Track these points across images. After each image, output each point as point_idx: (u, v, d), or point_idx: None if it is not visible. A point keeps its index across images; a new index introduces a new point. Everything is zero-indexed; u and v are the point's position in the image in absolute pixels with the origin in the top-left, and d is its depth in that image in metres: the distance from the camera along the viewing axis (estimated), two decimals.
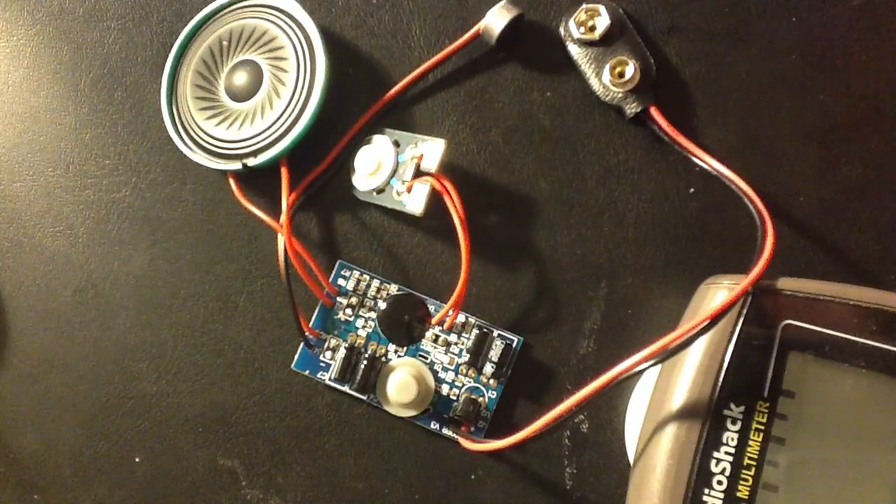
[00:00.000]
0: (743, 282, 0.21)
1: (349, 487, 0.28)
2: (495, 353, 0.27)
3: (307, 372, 0.28)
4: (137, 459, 0.28)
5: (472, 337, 0.27)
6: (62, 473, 0.29)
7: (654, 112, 0.26)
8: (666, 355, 0.21)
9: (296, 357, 0.28)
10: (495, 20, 0.26)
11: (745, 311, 0.21)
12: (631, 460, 0.24)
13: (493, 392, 0.27)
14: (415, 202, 0.26)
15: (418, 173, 0.26)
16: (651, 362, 0.21)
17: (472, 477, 0.27)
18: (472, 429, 0.27)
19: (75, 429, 0.29)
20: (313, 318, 0.28)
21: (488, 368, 0.27)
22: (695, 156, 0.25)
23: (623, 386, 0.22)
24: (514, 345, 0.27)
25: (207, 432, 0.28)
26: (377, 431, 0.28)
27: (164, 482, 0.28)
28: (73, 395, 0.29)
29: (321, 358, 0.28)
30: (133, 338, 0.29)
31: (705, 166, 0.25)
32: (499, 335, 0.27)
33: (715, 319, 0.20)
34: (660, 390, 0.22)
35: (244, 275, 0.28)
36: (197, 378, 0.28)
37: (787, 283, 0.22)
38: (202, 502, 0.28)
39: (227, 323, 0.28)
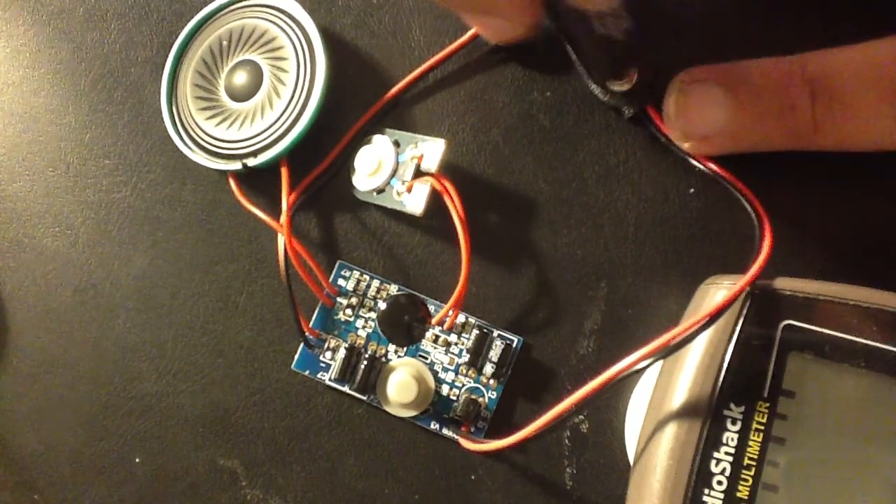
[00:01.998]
0: (741, 280, 0.21)
1: (349, 487, 0.28)
2: (495, 353, 0.27)
3: (307, 372, 0.28)
4: (137, 459, 0.28)
5: (472, 337, 0.27)
6: (62, 473, 0.29)
7: (651, 112, 0.26)
8: (667, 352, 0.21)
9: (296, 357, 0.28)
10: None
11: (745, 311, 0.21)
12: (631, 460, 0.24)
13: (494, 392, 0.27)
14: (415, 202, 0.26)
15: (418, 173, 0.26)
16: (652, 359, 0.21)
17: (472, 477, 0.27)
18: (473, 429, 0.27)
19: (75, 429, 0.29)
20: (313, 318, 0.28)
21: (488, 368, 0.27)
22: (692, 156, 0.25)
23: (623, 386, 0.22)
24: (514, 345, 0.27)
25: (207, 432, 0.28)
26: (377, 431, 0.28)
27: (164, 482, 0.28)
28: (73, 395, 0.29)
29: (321, 358, 0.28)
30: (133, 338, 0.29)
31: (703, 167, 0.25)
32: (499, 335, 0.27)
33: (715, 317, 0.21)
34: (660, 390, 0.22)
35: (244, 275, 0.28)
36: (197, 378, 0.28)
37: (786, 283, 0.22)
38: (202, 502, 0.28)
39: (227, 323, 0.28)
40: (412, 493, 0.27)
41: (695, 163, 0.25)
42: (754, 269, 0.21)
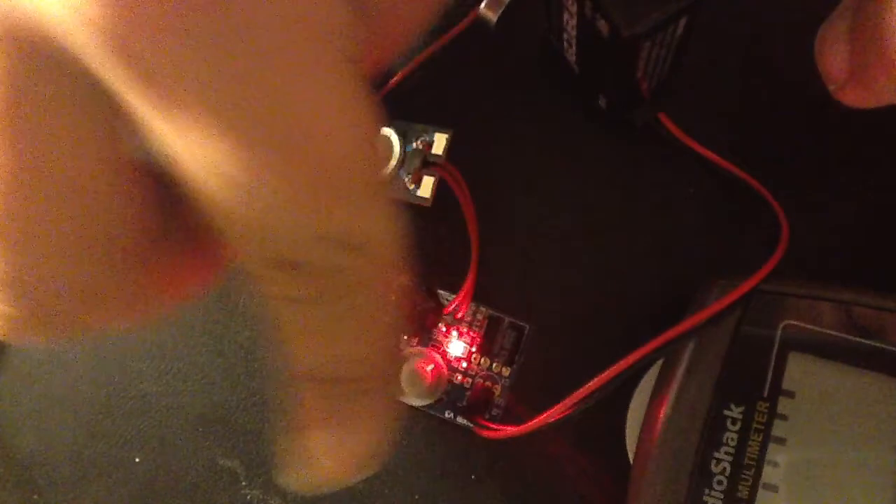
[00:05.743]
0: (749, 279, 0.21)
1: (349, 487, 0.27)
2: (507, 340, 0.27)
3: None
4: (137, 459, 0.28)
5: (484, 325, 0.27)
6: (62, 473, 0.29)
7: (664, 120, 0.25)
8: (667, 350, 0.21)
9: None
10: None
11: (745, 311, 0.21)
12: (631, 460, 0.24)
13: (507, 380, 0.27)
14: (423, 191, 0.26)
15: (426, 163, 0.27)
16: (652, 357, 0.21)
17: (472, 477, 0.27)
18: (487, 416, 0.27)
19: (75, 429, 0.29)
20: None
21: (501, 356, 0.27)
22: (713, 160, 0.25)
23: (622, 385, 0.22)
24: (526, 332, 0.27)
25: (207, 432, 0.28)
26: None
27: (164, 482, 0.28)
28: (73, 395, 0.29)
29: None
30: (133, 338, 0.29)
31: (727, 170, 0.25)
32: (510, 322, 0.27)
33: (718, 315, 0.21)
34: (659, 390, 0.22)
35: (244, 275, 0.28)
36: (197, 378, 0.28)
37: (787, 284, 0.22)
38: (202, 502, 0.28)
39: (227, 323, 0.28)
40: (412, 493, 0.27)
41: (716, 167, 0.25)
42: (766, 268, 0.21)
